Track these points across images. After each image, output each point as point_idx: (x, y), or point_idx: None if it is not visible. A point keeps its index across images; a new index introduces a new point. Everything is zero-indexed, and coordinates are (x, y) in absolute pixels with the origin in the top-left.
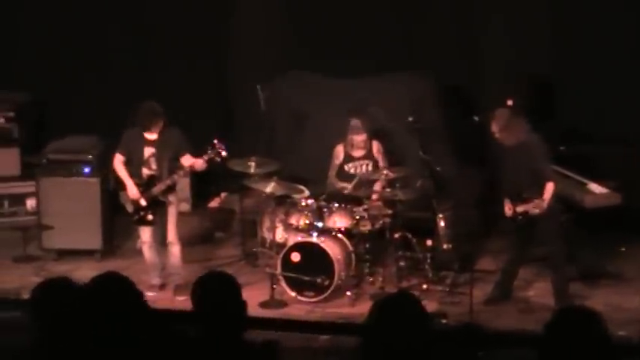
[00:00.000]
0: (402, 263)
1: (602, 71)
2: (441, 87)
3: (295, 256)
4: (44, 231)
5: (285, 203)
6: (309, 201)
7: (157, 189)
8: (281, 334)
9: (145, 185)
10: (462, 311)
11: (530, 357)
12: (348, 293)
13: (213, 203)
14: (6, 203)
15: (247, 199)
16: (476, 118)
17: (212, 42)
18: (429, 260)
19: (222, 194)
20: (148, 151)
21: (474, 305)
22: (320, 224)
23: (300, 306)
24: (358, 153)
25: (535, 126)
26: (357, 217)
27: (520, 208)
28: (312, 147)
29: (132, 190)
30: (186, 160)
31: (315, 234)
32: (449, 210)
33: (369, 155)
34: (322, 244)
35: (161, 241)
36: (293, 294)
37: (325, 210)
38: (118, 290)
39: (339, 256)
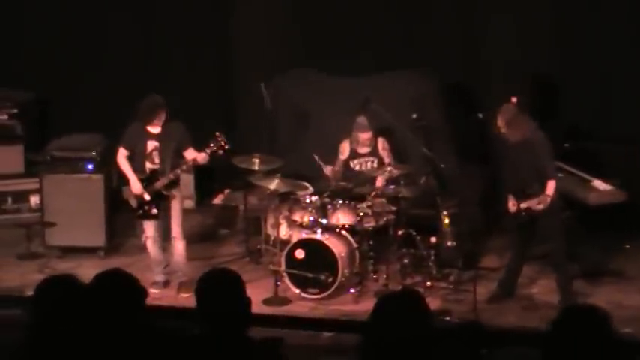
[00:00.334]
0: (405, 260)
1: (605, 70)
2: (444, 85)
3: (299, 253)
4: (47, 228)
5: (288, 200)
6: (313, 198)
7: (160, 183)
8: (284, 331)
9: (148, 180)
10: (466, 309)
11: (533, 354)
12: (352, 290)
13: (217, 200)
14: (9, 200)
15: (251, 196)
16: (480, 115)
17: (215, 40)
18: (432, 257)
19: (226, 191)
20: (151, 144)
21: (477, 303)
22: (324, 221)
23: (303, 303)
24: (364, 150)
25: (538, 125)
26: (361, 214)
27: (524, 205)
28: (315, 145)
29: (135, 185)
30: (190, 154)
31: (319, 231)
32: (453, 207)
33: (374, 152)
34: (326, 241)
35: (165, 237)
36: (297, 291)
37: (329, 207)
38: (123, 287)
39: (343, 253)
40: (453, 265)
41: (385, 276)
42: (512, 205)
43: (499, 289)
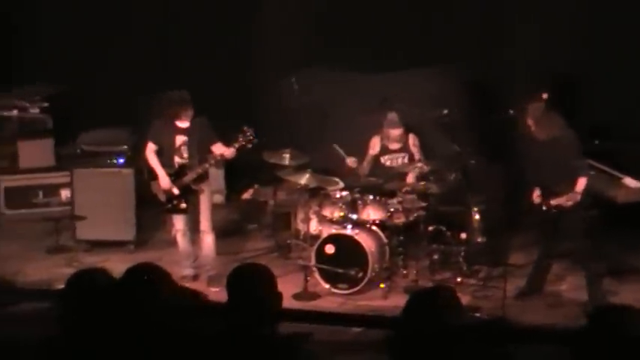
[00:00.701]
0: (435, 256)
1: (630, 69)
2: (465, 83)
3: (329, 248)
4: (77, 222)
5: (318, 195)
6: (343, 193)
7: (189, 177)
8: (313, 326)
9: (176, 174)
10: (494, 305)
11: (559, 352)
12: (382, 286)
13: (246, 195)
14: (40, 194)
15: (280, 191)
16: (511, 112)
17: (236, 36)
18: (462, 254)
19: (255, 186)
20: (180, 139)
21: (505, 299)
22: (354, 216)
23: (332, 298)
24: (394, 146)
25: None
26: (391, 210)
27: (554, 202)
28: (335, 142)
29: (164, 180)
30: (218, 149)
31: (349, 226)
32: (483, 203)
33: (405, 148)
34: (356, 237)
35: (194, 231)
36: (327, 286)
37: (359, 202)
38: (154, 281)
39: (373, 249)
40: (483, 261)
41: (415, 272)
42: (536, 197)
43: (528, 285)
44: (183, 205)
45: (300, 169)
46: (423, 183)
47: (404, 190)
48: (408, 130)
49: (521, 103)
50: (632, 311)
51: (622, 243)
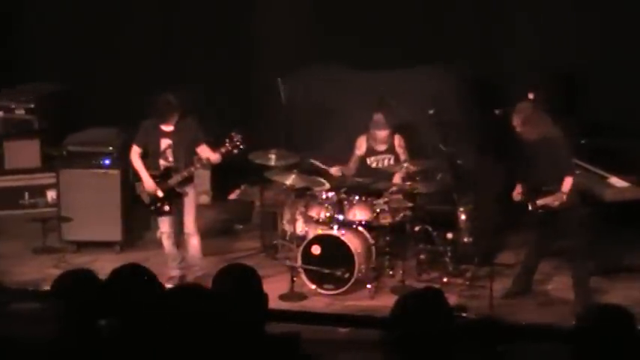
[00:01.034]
0: (422, 256)
1: (626, 67)
2: (464, 81)
3: (316, 249)
4: (64, 223)
5: (305, 196)
6: (330, 194)
7: (174, 180)
8: (300, 326)
9: (161, 176)
10: (482, 305)
11: (550, 350)
12: (368, 286)
13: (233, 195)
14: (26, 195)
15: (267, 191)
16: (497, 112)
17: (236, 33)
18: (449, 253)
19: (242, 186)
20: (165, 142)
21: (493, 299)
22: (340, 217)
23: (319, 299)
24: (380, 147)
25: (555, 121)
26: (378, 210)
27: (540, 202)
28: (333, 140)
29: (147, 182)
30: (203, 151)
31: (335, 227)
32: (470, 203)
33: (391, 149)
34: (343, 237)
35: (179, 232)
36: (313, 287)
37: (346, 203)
38: (140, 282)
39: (360, 249)
40: (470, 261)
41: (402, 272)
42: (517, 194)
43: (515, 285)
44: (167, 208)
45: (286, 169)
46: (409, 183)
47: (390, 190)
48: (394, 130)
49: (508, 103)
50: (625, 311)
51: (612, 241)
